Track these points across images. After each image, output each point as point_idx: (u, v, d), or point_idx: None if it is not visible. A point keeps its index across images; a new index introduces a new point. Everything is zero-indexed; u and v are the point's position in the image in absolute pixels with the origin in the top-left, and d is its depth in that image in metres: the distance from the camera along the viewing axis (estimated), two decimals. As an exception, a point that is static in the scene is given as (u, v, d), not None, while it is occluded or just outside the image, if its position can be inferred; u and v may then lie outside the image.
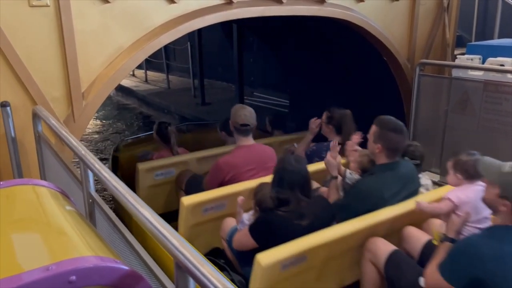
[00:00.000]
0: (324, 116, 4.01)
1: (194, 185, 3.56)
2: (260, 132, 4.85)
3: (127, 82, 13.84)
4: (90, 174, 1.92)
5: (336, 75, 6.43)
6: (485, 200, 2.07)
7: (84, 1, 3.12)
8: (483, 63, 4.64)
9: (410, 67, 5.13)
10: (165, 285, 1.36)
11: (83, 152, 1.94)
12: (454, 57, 5.20)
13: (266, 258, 2.19)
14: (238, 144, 3.37)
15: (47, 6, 2.99)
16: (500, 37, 5.77)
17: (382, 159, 2.87)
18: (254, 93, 11.29)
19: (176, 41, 3.66)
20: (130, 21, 3.36)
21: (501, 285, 1.84)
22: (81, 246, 1.32)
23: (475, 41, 6.20)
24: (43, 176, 3.12)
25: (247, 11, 3.85)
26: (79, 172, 2.19)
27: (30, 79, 3.04)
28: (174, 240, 1.18)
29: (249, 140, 3.36)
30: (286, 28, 6.46)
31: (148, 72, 14.68)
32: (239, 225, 2.71)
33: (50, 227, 1.48)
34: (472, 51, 4.86)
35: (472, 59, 4.67)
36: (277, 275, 2.23)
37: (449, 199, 2.52)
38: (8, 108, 2.90)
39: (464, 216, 2.39)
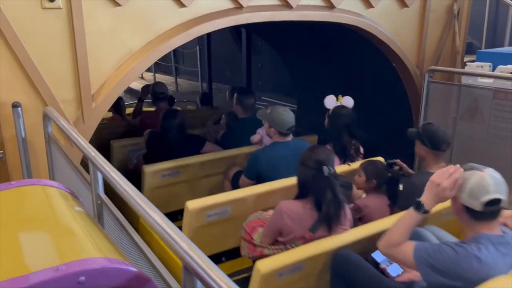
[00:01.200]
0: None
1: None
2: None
3: (135, 85, 13.92)
4: (99, 175, 1.93)
5: (344, 80, 6.42)
6: None
7: (96, 3, 3.15)
8: (493, 70, 4.61)
9: (419, 74, 5.11)
10: (172, 287, 1.37)
11: (92, 153, 1.95)
12: (463, 64, 5.17)
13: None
14: None
15: (59, 8, 3.02)
16: (510, 44, 5.74)
17: None
18: (262, 97, 11.31)
19: (185, 44, 3.68)
20: (141, 24, 3.38)
21: None
22: (90, 247, 1.33)
23: (485, 48, 6.17)
24: (52, 177, 3.15)
25: (257, 16, 3.87)
26: (88, 173, 2.21)
27: (41, 80, 3.07)
28: (183, 243, 1.19)
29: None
30: (295, 33, 6.48)
31: (157, 75, 14.78)
32: None
33: (59, 227, 1.49)
34: (482, 58, 4.83)
35: (482, 67, 4.65)
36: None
37: None
38: (19, 109, 2.93)
39: None
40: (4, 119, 2.99)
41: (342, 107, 4.11)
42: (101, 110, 3.36)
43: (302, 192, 2.63)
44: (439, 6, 5.08)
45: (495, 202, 1.93)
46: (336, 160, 3.54)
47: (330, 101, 4.17)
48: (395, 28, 4.82)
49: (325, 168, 2.51)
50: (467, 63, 4.90)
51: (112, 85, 3.32)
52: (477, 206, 1.93)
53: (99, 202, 1.97)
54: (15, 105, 2.92)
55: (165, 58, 12.15)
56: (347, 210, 2.71)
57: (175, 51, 13.13)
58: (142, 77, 14.88)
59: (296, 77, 8.05)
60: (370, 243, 2.47)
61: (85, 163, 2.95)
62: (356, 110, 4.31)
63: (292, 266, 2.33)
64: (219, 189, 3.79)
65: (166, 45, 3.46)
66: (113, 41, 3.30)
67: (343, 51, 6.07)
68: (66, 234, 1.45)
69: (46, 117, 2.95)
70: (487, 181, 1.94)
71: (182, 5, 3.48)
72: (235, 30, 10.18)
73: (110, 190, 1.82)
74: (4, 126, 3.01)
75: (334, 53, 6.32)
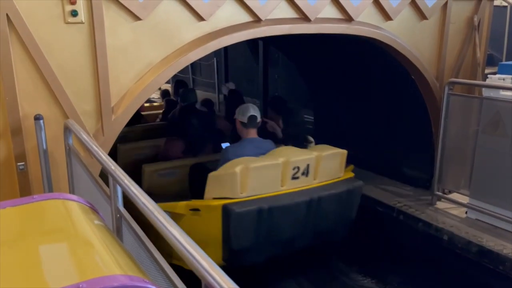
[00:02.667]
0: None
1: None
2: None
3: (153, 96, 14.08)
4: (119, 189, 1.94)
5: (362, 92, 6.38)
6: None
7: (118, 17, 3.21)
8: (515, 83, 4.52)
9: (439, 86, 5.05)
10: (191, 305, 1.35)
11: (113, 167, 1.96)
12: (485, 77, 5.09)
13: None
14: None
15: (81, 23, 3.09)
16: (532, 56, 5.64)
17: None
18: (278, 109, 11.29)
19: (202, 57, 3.70)
20: (160, 38, 3.42)
21: None
22: (110, 264, 1.33)
23: (505, 60, 6.07)
24: (71, 189, 3.18)
25: (275, 29, 3.88)
26: (106, 184, 2.23)
27: (63, 93, 3.12)
28: (204, 261, 1.17)
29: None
30: (312, 45, 6.47)
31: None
32: None
33: (80, 242, 1.49)
34: (504, 70, 4.74)
35: (504, 79, 4.56)
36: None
37: None
38: (41, 121, 2.98)
39: None
40: (27, 131, 3.05)
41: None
42: (120, 122, 3.40)
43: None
44: (459, 18, 5.03)
45: (253, 117, 4.13)
46: None
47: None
48: (414, 40, 4.78)
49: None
50: (488, 76, 4.82)
51: (131, 98, 3.36)
52: (244, 119, 4.11)
53: (118, 215, 1.98)
54: (37, 118, 2.98)
55: (182, 70, 12.23)
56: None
57: (192, 63, 13.24)
58: (160, 89, 15.04)
59: (313, 89, 8.03)
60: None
61: (104, 174, 2.98)
62: (374, 121, 4.27)
63: (167, 170, 4.54)
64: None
65: (185, 58, 3.50)
66: (133, 54, 3.35)
67: (361, 63, 6.04)
68: (86, 249, 1.45)
69: (67, 129, 2.99)
70: (248, 107, 4.19)
71: (201, 18, 3.52)
72: (252, 42, 10.23)
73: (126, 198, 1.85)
74: (26, 138, 3.06)
75: (352, 65, 6.29)
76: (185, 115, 5.22)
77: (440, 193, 5.11)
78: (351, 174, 4.54)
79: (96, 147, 2.35)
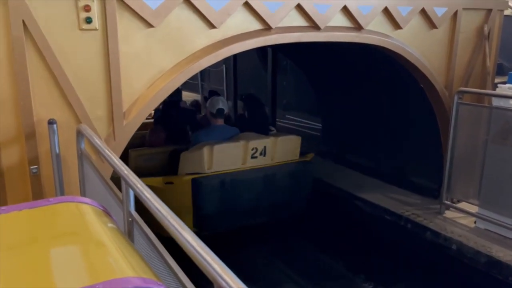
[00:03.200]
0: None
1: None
2: None
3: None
4: (131, 193, 1.97)
5: (370, 100, 6.39)
6: None
7: (131, 25, 3.26)
8: (525, 92, 4.51)
9: (448, 95, 5.05)
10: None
11: (125, 171, 1.99)
12: (494, 86, 5.08)
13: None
14: None
15: (95, 29, 3.14)
16: (543, 66, 5.62)
17: None
18: (286, 116, 11.33)
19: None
20: (172, 45, 3.47)
21: None
22: (124, 266, 1.35)
23: (516, 69, 6.04)
24: (83, 192, 3.22)
25: (285, 37, 3.92)
26: (118, 188, 2.26)
27: (76, 98, 3.17)
28: (216, 265, 1.19)
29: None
30: (321, 52, 6.51)
31: (183, 93, 15.00)
32: None
33: (94, 245, 1.52)
34: (514, 80, 4.74)
35: (513, 89, 4.55)
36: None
37: None
38: (55, 125, 3.03)
39: None
40: (40, 135, 3.10)
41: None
42: (131, 127, 3.44)
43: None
44: (469, 27, 5.04)
45: (221, 109, 4.95)
46: None
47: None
48: (424, 49, 4.80)
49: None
50: (498, 85, 4.81)
51: (143, 104, 3.40)
52: (213, 110, 4.92)
53: (130, 219, 2.00)
54: (50, 122, 3.03)
55: (191, 76, 12.36)
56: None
57: (202, 70, 13.34)
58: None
59: (321, 97, 8.05)
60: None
61: (114, 178, 3.02)
62: (382, 130, 4.29)
63: (150, 156, 5.22)
64: None
65: (196, 65, 3.54)
66: (145, 61, 3.40)
67: (370, 71, 6.06)
68: (100, 251, 1.47)
69: (79, 134, 3.04)
70: (218, 101, 4.96)
71: (213, 26, 3.57)
72: (261, 49, 10.28)
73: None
74: (40, 142, 3.11)
75: (360, 72, 6.31)
76: (167, 109, 6.01)
77: (448, 202, 5.09)
78: (308, 159, 5.37)
79: (109, 151, 2.38)
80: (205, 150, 4.53)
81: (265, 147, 4.91)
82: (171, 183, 4.70)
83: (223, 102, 5.09)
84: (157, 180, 4.71)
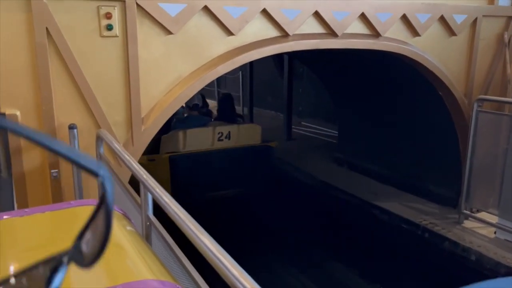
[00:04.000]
0: None
1: None
2: None
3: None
4: (150, 197, 1.99)
5: (388, 108, 6.34)
6: None
7: (150, 32, 3.31)
8: (547, 101, 4.42)
9: (468, 103, 4.98)
10: (220, 313, 1.37)
11: (144, 176, 2.02)
12: (515, 94, 5.00)
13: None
14: None
15: (116, 36, 3.20)
16: None
17: None
18: (302, 123, 11.32)
19: (229, 70, 3.80)
20: (191, 52, 3.51)
21: None
22: (142, 269, 1.37)
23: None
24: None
25: (302, 44, 3.93)
26: (136, 192, 2.29)
27: (96, 104, 3.23)
28: (234, 270, 1.20)
29: None
30: (337, 59, 6.50)
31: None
32: None
33: (113, 248, 1.54)
34: (535, 88, 4.65)
35: (535, 97, 4.47)
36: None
37: None
38: (75, 130, 3.09)
39: None
40: (61, 140, 3.16)
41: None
42: (149, 133, 3.48)
43: None
44: (489, 35, 4.98)
45: (196, 104, 7.61)
46: None
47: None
48: (443, 57, 4.75)
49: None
50: (519, 93, 4.74)
51: (161, 109, 3.44)
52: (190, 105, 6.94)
53: (148, 223, 2.03)
54: (71, 127, 3.09)
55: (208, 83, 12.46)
56: None
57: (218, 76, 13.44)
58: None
59: (337, 103, 8.02)
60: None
61: (132, 182, 3.06)
62: (399, 137, 4.25)
63: None
64: None
65: (213, 71, 3.57)
66: (164, 67, 3.44)
67: (387, 78, 6.02)
68: (119, 254, 1.49)
69: (99, 139, 3.09)
70: (194, 98, 6.51)
71: (231, 33, 3.60)
72: (277, 56, 10.32)
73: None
74: (60, 146, 3.16)
75: (378, 80, 6.28)
76: None
77: (467, 212, 5.00)
78: (272, 145, 6.89)
79: (128, 156, 2.42)
80: (180, 133, 5.99)
81: (229, 132, 6.39)
82: (153, 160, 5.83)
83: (199, 98, 7.31)
84: (142, 158, 5.46)
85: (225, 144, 6.30)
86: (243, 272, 1.20)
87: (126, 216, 1.87)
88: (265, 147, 6.67)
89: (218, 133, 6.23)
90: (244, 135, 6.57)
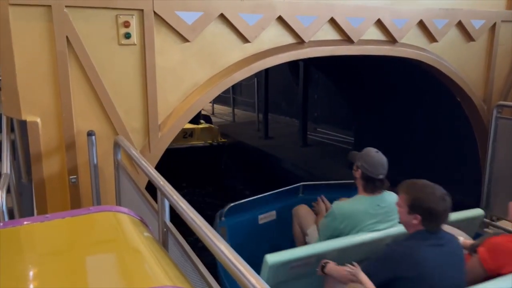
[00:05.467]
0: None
1: None
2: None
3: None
4: (167, 203, 2.01)
5: (404, 114, 6.28)
6: None
7: (167, 40, 3.36)
8: None
9: (487, 109, 4.91)
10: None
11: (161, 182, 2.03)
12: (536, 100, 4.91)
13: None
14: None
15: (134, 44, 3.25)
16: None
17: None
18: (318, 129, 11.28)
19: (245, 77, 3.81)
20: (207, 59, 3.55)
21: None
22: (160, 275, 1.38)
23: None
24: (118, 201, 3.30)
25: (318, 51, 3.93)
26: (152, 198, 2.31)
27: (114, 111, 3.28)
28: (251, 277, 1.20)
29: None
30: (353, 65, 6.47)
31: (215, 105, 15.25)
32: None
33: (130, 253, 1.56)
34: (557, 94, 4.56)
35: (557, 103, 4.38)
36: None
37: None
38: (93, 137, 3.13)
39: None
40: (79, 146, 3.21)
41: None
42: (166, 140, 3.51)
43: None
44: (508, 40, 4.91)
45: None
46: None
47: None
48: (461, 62, 4.70)
49: None
50: (540, 99, 4.64)
51: (177, 116, 3.48)
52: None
53: (165, 230, 2.04)
54: (90, 134, 3.14)
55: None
56: None
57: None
58: (202, 108, 15.40)
59: (354, 110, 7.98)
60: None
61: (149, 188, 3.08)
62: (417, 145, 4.21)
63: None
64: None
65: (229, 78, 3.60)
66: (181, 75, 3.48)
67: (404, 84, 5.98)
68: (136, 260, 1.51)
69: (116, 145, 3.13)
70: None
71: (246, 40, 3.62)
72: (293, 62, 10.34)
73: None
74: (79, 153, 3.22)
75: (395, 85, 6.23)
76: None
77: (488, 220, 4.89)
78: (225, 142, 9.22)
79: (145, 162, 2.44)
80: None
81: (192, 131, 8.60)
82: None
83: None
84: None
85: (189, 141, 8.52)
86: (259, 279, 1.20)
87: (143, 222, 1.88)
88: (221, 144, 9.00)
89: (184, 132, 8.23)
90: (204, 134, 8.86)
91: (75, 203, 3.25)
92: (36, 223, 1.71)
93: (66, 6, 2.99)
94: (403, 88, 6.10)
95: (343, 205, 3.13)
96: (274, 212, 4.26)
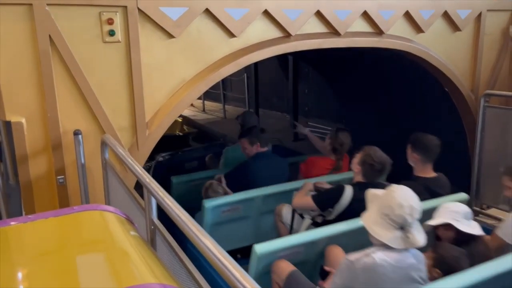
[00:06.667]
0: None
1: None
2: None
3: (185, 112, 14.35)
4: (154, 201, 1.99)
5: (394, 105, 6.30)
6: None
7: (152, 36, 3.32)
8: (555, 94, 4.37)
9: (474, 98, 4.93)
10: (223, 316, 1.37)
11: (147, 180, 2.02)
12: (522, 88, 4.95)
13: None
14: None
15: (118, 42, 3.21)
16: None
17: None
18: (309, 123, 11.28)
19: (233, 73, 3.79)
20: (193, 55, 3.52)
21: None
22: (145, 273, 1.37)
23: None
24: (107, 200, 3.28)
25: (305, 44, 3.91)
26: (141, 197, 2.29)
27: (100, 109, 3.24)
28: (236, 272, 1.19)
29: None
30: (342, 59, 6.47)
31: (206, 102, 15.18)
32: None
33: (116, 252, 1.54)
34: (543, 81, 4.60)
35: (543, 90, 4.42)
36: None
37: None
38: (80, 136, 3.10)
39: None
40: (66, 146, 3.18)
41: None
42: (154, 137, 3.49)
43: None
44: (494, 29, 4.93)
45: None
46: None
47: None
48: (448, 53, 4.71)
49: None
50: (526, 87, 4.68)
51: (165, 113, 3.45)
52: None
53: (152, 227, 2.03)
54: (76, 133, 3.10)
55: (213, 85, 12.48)
56: None
57: (223, 79, 13.45)
58: (192, 104, 15.33)
59: (344, 102, 8.00)
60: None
61: (138, 187, 3.06)
62: (406, 135, 4.22)
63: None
64: None
65: (216, 74, 3.57)
66: (167, 71, 3.45)
67: (394, 74, 5.99)
68: (122, 258, 1.50)
69: (103, 144, 3.11)
70: None
71: (233, 35, 3.60)
72: (282, 57, 10.32)
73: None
74: (66, 153, 3.19)
75: (384, 78, 6.24)
76: None
77: (477, 208, 4.94)
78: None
79: (132, 161, 2.42)
80: None
81: None
82: None
83: None
84: None
85: None
86: (244, 274, 1.19)
87: (130, 221, 1.87)
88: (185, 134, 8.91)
89: None
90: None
91: (64, 203, 3.22)
92: (21, 224, 1.69)
93: (47, 4, 2.94)
94: (392, 79, 6.11)
95: None
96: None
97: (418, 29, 4.45)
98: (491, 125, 4.71)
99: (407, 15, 4.35)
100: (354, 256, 2.23)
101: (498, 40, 4.99)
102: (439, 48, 4.64)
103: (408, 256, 2.23)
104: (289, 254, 2.85)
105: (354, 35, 4.14)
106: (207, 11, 3.45)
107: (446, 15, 4.58)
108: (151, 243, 2.05)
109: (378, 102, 6.63)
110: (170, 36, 3.38)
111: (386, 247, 2.19)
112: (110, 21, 3.13)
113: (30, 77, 3.01)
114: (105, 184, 3.25)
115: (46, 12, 2.94)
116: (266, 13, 3.69)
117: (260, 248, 2.75)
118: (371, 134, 7.00)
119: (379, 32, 4.24)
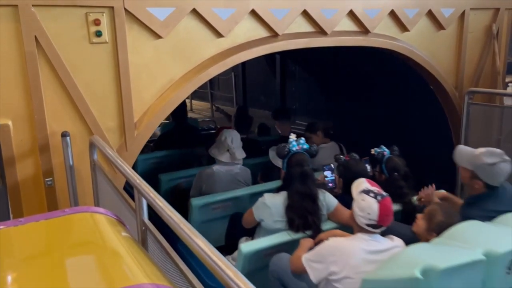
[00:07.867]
0: None
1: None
2: None
3: (173, 111, 14.30)
4: (144, 202, 2.00)
5: (380, 103, 6.37)
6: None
7: (139, 36, 3.31)
8: (537, 91, 4.47)
9: (459, 96, 5.02)
10: (216, 314, 1.39)
11: (138, 180, 2.02)
12: (505, 85, 5.05)
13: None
14: None
15: (106, 42, 3.20)
16: (554, 63, 5.56)
17: None
18: (296, 121, 11.34)
19: (221, 72, 3.81)
20: (181, 55, 3.52)
21: None
22: (138, 273, 1.38)
23: (527, 68, 5.99)
24: (96, 202, 3.27)
25: (292, 43, 3.94)
26: (130, 198, 2.30)
27: (88, 110, 3.23)
28: (229, 271, 1.21)
29: None
30: (329, 57, 6.52)
31: (193, 101, 15.14)
32: None
33: (108, 253, 1.55)
34: (525, 78, 4.70)
35: (525, 87, 4.52)
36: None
37: None
38: (68, 138, 3.08)
39: None
40: (54, 148, 3.16)
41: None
42: (142, 137, 3.48)
43: None
44: (477, 27, 5.02)
45: None
46: None
47: None
48: (432, 50, 4.78)
49: None
50: (508, 84, 4.78)
51: (153, 114, 3.45)
52: None
53: (143, 228, 2.03)
54: (64, 134, 3.08)
55: (201, 85, 12.46)
56: None
57: (211, 78, 13.45)
58: (178, 104, 15.28)
59: (331, 100, 8.06)
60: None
61: (127, 188, 3.06)
62: (393, 132, 4.29)
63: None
64: None
65: (204, 74, 3.58)
66: (155, 72, 3.44)
67: (380, 72, 6.05)
68: (114, 260, 1.50)
69: (92, 145, 3.09)
70: None
71: (220, 35, 3.61)
72: (269, 56, 10.36)
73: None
74: (54, 155, 3.17)
75: (370, 74, 6.31)
76: None
77: (463, 204, 5.03)
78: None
79: (121, 161, 2.42)
80: None
81: None
82: None
83: None
84: None
85: None
86: (237, 273, 1.21)
87: (120, 222, 1.87)
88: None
89: None
90: None
91: (52, 205, 3.20)
92: (10, 228, 1.68)
93: (33, 5, 2.91)
94: (378, 77, 6.18)
95: None
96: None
97: (403, 27, 4.51)
98: (475, 122, 4.80)
99: (392, 14, 4.41)
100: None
101: (481, 38, 5.08)
102: (423, 46, 4.71)
103: (235, 168, 4.12)
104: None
105: (341, 34, 4.18)
106: (195, 11, 3.46)
107: (430, 14, 4.65)
108: (143, 243, 2.06)
109: (364, 99, 6.69)
110: (158, 36, 3.37)
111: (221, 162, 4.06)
112: (97, 22, 3.12)
113: (16, 79, 2.98)
114: (94, 186, 3.24)
115: (32, 13, 2.92)
116: (253, 12, 3.70)
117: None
118: (357, 132, 7.08)
119: (365, 31, 4.29)
